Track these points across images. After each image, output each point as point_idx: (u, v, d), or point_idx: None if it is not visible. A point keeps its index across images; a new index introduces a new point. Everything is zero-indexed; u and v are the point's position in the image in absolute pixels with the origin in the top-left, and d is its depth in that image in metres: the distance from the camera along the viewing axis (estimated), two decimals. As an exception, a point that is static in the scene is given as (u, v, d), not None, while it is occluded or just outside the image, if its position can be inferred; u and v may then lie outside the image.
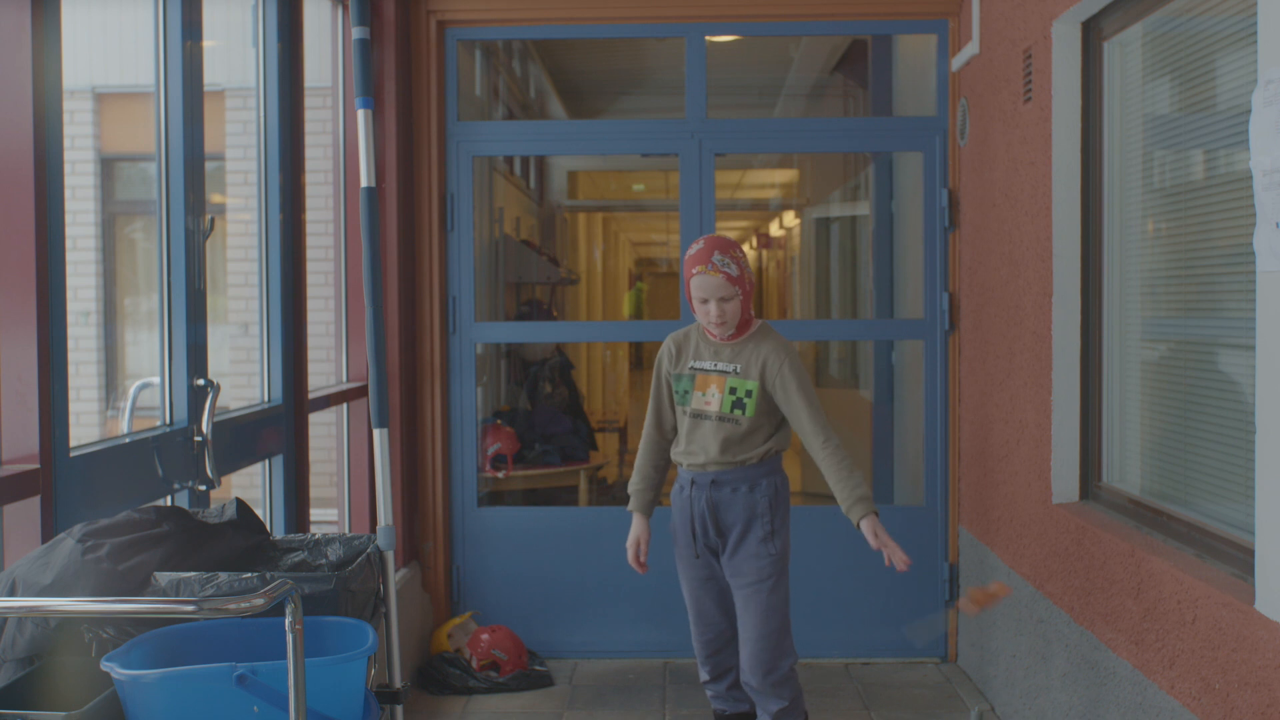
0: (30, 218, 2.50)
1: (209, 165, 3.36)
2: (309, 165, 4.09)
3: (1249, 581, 2.67)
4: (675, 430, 3.63)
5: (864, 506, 3.37)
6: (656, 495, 3.69)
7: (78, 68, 5.41)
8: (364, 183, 2.81)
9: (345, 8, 4.63)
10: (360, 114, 2.79)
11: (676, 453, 3.60)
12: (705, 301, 3.46)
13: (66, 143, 2.68)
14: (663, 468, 3.69)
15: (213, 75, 3.40)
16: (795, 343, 11.00)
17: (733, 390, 3.49)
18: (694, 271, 3.45)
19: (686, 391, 3.56)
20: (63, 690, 2.23)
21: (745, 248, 16.75)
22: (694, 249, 3.48)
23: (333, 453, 4.78)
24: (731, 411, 3.48)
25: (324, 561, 2.73)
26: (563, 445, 6.57)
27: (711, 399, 3.50)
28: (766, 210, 12.86)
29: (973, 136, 4.75)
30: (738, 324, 3.51)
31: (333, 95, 4.70)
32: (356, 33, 2.71)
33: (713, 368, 3.53)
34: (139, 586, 2.35)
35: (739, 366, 3.50)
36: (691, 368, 3.57)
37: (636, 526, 3.66)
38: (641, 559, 3.65)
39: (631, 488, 3.68)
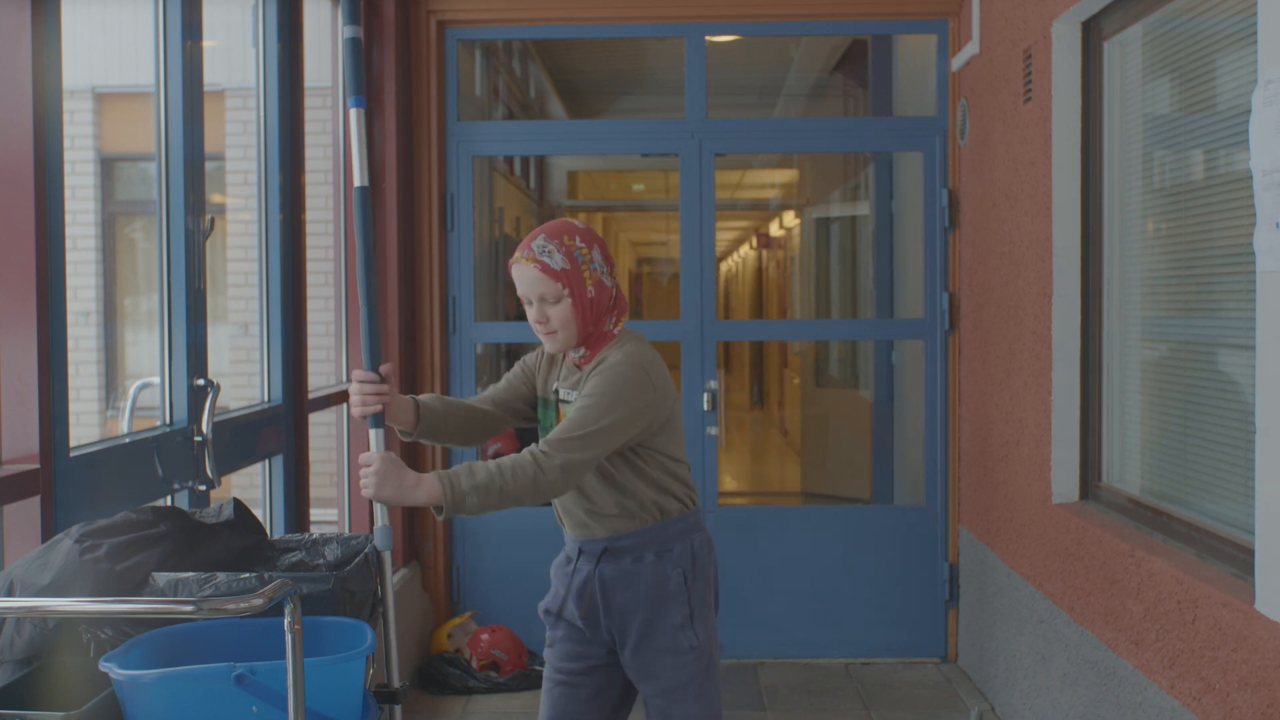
0: (30, 218, 2.50)
1: (209, 165, 3.36)
2: (309, 165, 4.10)
3: (1249, 581, 2.67)
4: (504, 414, 2.78)
5: (440, 488, 2.39)
6: (434, 416, 2.70)
7: (78, 68, 5.41)
8: (357, 182, 2.81)
9: (345, 8, 4.64)
10: (352, 113, 2.76)
11: (559, 510, 2.77)
12: (528, 303, 2.63)
13: (66, 143, 2.67)
14: (460, 411, 2.74)
15: (213, 75, 3.40)
16: (794, 343, 10.83)
17: None
18: (511, 261, 2.65)
19: (549, 426, 2.73)
20: (61, 690, 2.23)
21: (745, 248, 16.72)
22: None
23: (333, 453, 4.78)
24: None
25: (322, 562, 2.73)
26: (563, 445, 6.56)
27: None
28: (766, 210, 12.86)
29: (973, 136, 4.75)
30: (585, 339, 2.63)
31: (333, 95, 4.70)
32: (346, 31, 2.71)
33: (563, 396, 2.70)
34: (137, 586, 2.35)
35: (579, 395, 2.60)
36: (555, 392, 2.72)
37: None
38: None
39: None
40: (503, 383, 2.81)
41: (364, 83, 2.71)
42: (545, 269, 2.57)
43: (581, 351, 2.66)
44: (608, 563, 2.66)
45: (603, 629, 2.70)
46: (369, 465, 2.44)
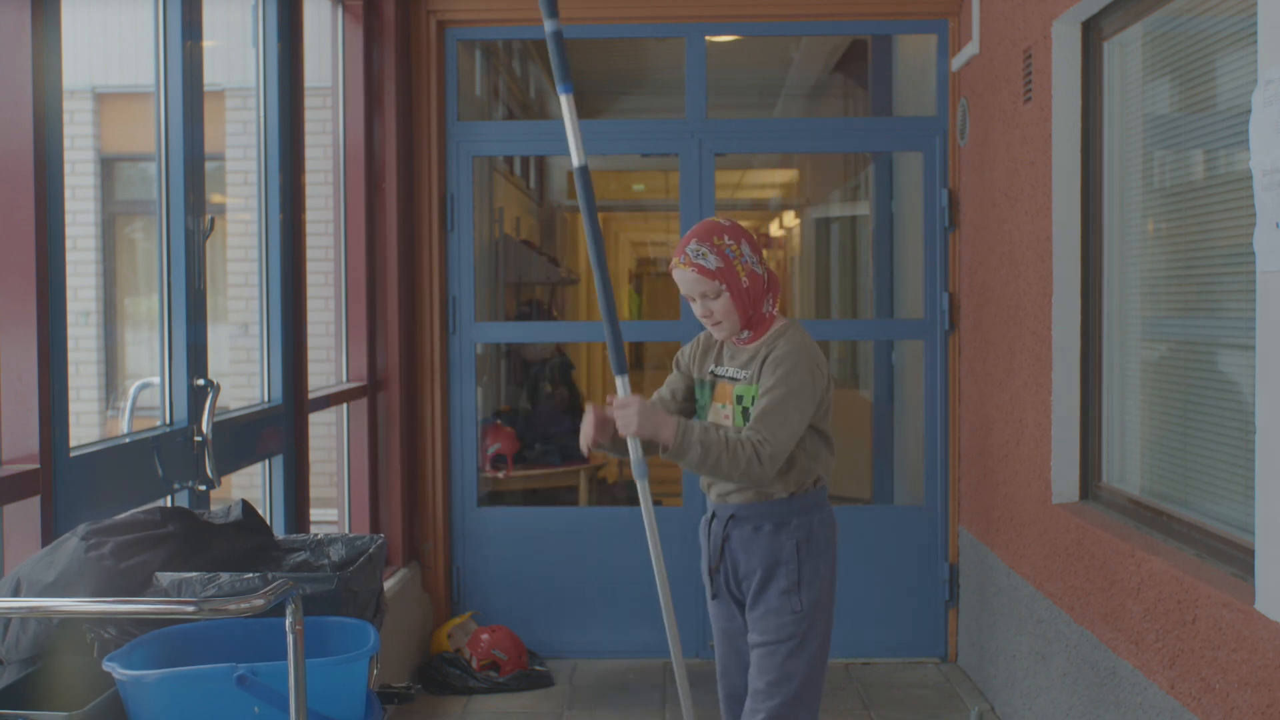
0: (30, 218, 2.50)
1: (209, 165, 3.36)
2: (309, 165, 4.10)
3: (1249, 581, 2.67)
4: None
5: (675, 432, 2.75)
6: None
7: (78, 68, 5.42)
8: (576, 162, 2.99)
9: (345, 7, 4.64)
10: (563, 99, 2.92)
11: (704, 481, 3.04)
12: (692, 300, 2.95)
13: (66, 143, 2.67)
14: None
15: (213, 75, 3.40)
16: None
17: (739, 399, 2.91)
18: (671, 266, 2.97)
19: (704, 405, 3.03)
20: (65, 690, 2.23)
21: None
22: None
23: (333, 453, 4.78)
24: (741, 424, 2.89)
25: (326, 562, 2.73)
26: (563, 445, 6.57)
27: (728, 412, 2.94)
28: (766, 210, 12.86)
29: (973, 136, 4.75)
30: (747, 322, 2.94)
31: (333, 95, 4.70)
32: (548, 25, 2.95)
33: (727, 374, 2.99)
34: (141, 585, 2.35)
35: (749, 372, 2.92)
36: (712, 373, 3.03)
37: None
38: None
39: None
40: (666, 391, 3.11)
41: (569, 72, 2.93)
42: (701, 270, 2.88)
43: (746, 334, 2.97)
44: (734, 527, 2.95)
45: (731, 583, 2.99)
46: (628, 406, 2.80)
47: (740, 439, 2.76)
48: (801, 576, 2.89)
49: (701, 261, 2.87)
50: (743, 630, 3.02)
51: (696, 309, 2.94)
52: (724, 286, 2.88)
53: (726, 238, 2.90)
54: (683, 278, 2.91)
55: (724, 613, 3.04)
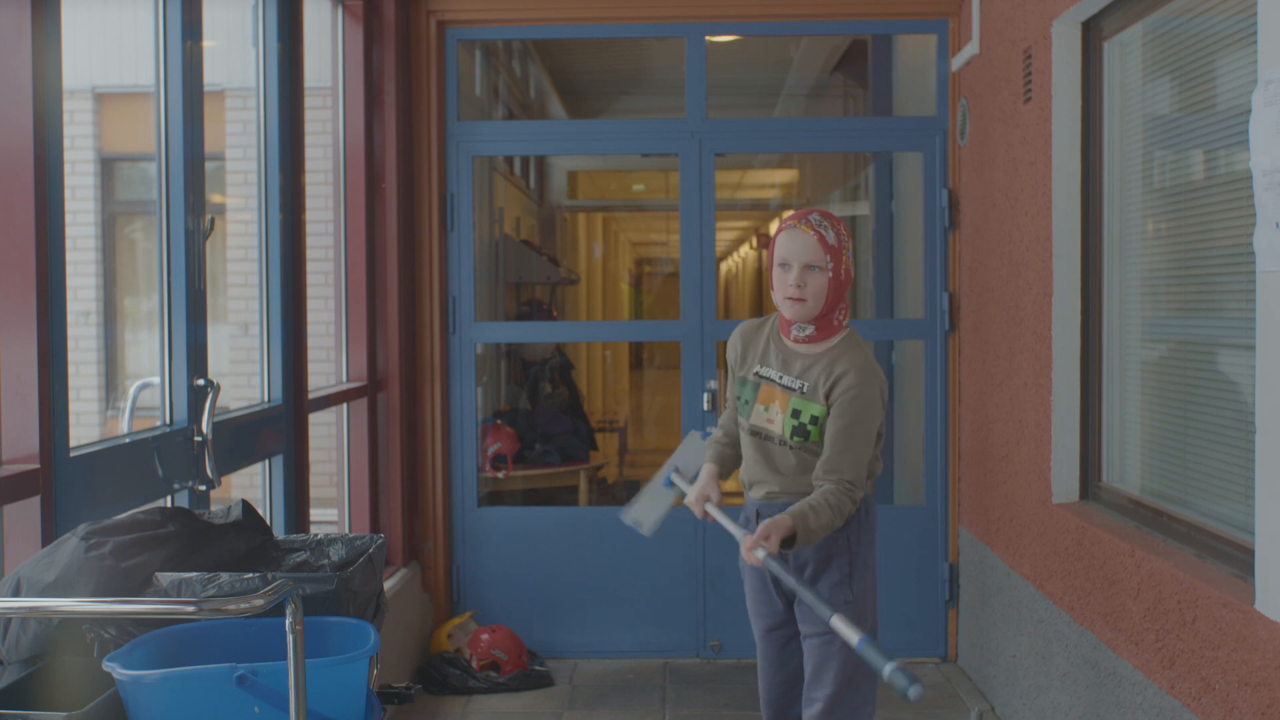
0: (30, 218, 2.50)
1: (209, 165, 3.36)
2: (309, 165, 4.10)
3: (1249, 581, 2.67)
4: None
5: (794, 524, 2.75)
6: (735, 454, 3.13)
7: (78, 68, 5.42)
8: None
9: (345, 7, 4.64)
10: None
11: (741, 475, 3.08)
12: (786, 267, 2.87)
13: (66, 143, 2.67)
14: (734, 451, 3.16)
15: (213, 75, 3.40)
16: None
17: (795, 414, 2.90)
18: (783, 227, 2.89)
19: (748, 401, 3.01)
20: (65, 690, 2.23)
21: (745, 248, 16.70)
22: (791, 214, 2.96)
23: (333, 453, 4.78)
24: (791, 438, 2.93)
25: (326, 562, 2.73)
26: (563, 445, 6.57)
27: (774, 418, 2.94)
28: (766, 210, 12.85)
29: (973, 136, 4.75)
30: (820, 317, 2.91)
31: (333, 95, 4.70)
32: None
33: (778, 379, 2.95)
34: (141, 585, 2.35)
35: (806, 385, 2.91)
36: (757, 374, 3.00)
37: (702, 479, 3.05)
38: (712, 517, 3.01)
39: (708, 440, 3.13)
40: (729, 400, 3.12)
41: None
42: (822, 240, 2.86)
43: (808, 330, 2.93)
44: None
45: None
46: (758, 549, 2.74)
47: (837, 494, 2.81)
48: (853, 567, 2.96)
49: (823, 232, 2.86)
50: (789, 627, 3.07)
51: (789, 277, 2.87)
52: (830, 265, 2.86)
53: (842, 228, 2.92)
54: (798, 241, 2.86)
55: (772, 612, 3.08)
